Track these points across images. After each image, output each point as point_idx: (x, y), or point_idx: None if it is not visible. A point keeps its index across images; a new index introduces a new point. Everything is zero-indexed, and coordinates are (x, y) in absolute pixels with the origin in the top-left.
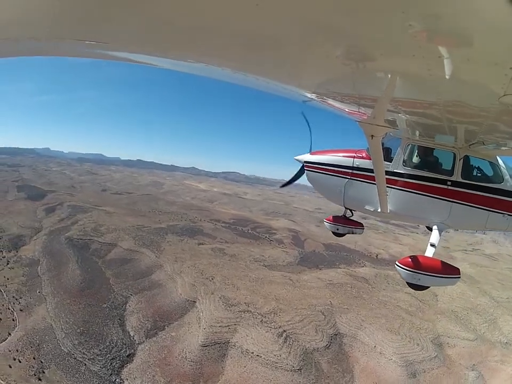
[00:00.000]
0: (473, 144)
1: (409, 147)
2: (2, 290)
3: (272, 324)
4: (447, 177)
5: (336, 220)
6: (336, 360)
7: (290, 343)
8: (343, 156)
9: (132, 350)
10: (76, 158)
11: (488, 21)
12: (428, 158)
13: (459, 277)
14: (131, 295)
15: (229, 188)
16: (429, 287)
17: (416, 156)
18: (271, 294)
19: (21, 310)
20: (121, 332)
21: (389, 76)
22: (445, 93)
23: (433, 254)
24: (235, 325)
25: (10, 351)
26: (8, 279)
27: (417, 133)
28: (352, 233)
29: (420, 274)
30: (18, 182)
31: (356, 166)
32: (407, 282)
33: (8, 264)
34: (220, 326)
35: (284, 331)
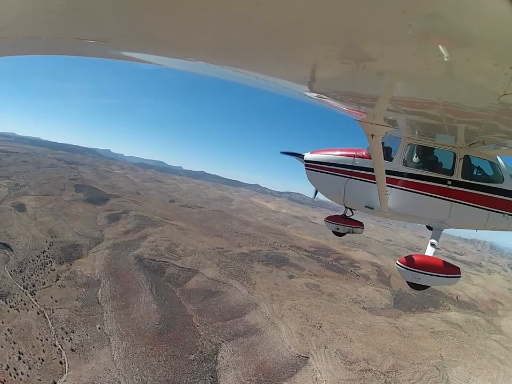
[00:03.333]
0: (473, 144)
1: (409, 146)
2: (47, 316)
3: None
4: (447, 176)
5: (336, 219)
6: None
7: None
8: (343, 155)
9: None
10: (138, 163)
11: (488, 20)
12: (428, 158)
13: (459, 277)
14: (223, 342)
15: (297, 211)
16: (429, 286)
17: (416, 155)
18: (385, 347)
19: (72, 350)
20: None
21: (389, 75)
22: (445, 92)
23: (433, 254)
24: None
25: None
26: (56, 301)
27: (417, 132)
28: (352, 232)
29: (420, 274)
30: (76, 180)
31: (356, 165)
32: (407, 282)
33: (58, 280)
34: None
35: None
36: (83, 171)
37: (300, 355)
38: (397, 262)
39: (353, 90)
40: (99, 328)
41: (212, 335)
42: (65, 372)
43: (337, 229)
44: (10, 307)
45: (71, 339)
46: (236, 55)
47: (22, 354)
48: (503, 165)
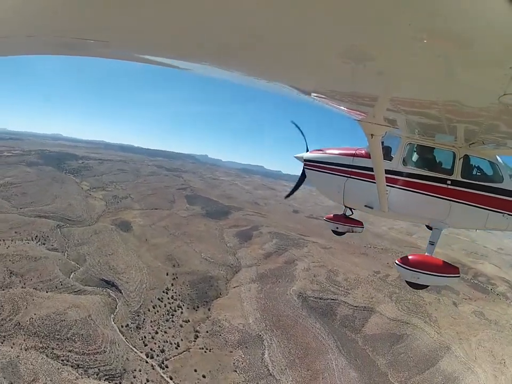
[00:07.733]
0: (473, 143)
1: (409, 146)
2: None
3: None
4: (447, 176)
5: (336, 218)
6: None
7: None
8: (343, 154)
9: None
10: (240, 169)
11: (488, 20)
12: (427, 157)
13: (458, 276)
14: None
15: None
16: (428, 286)
17: (416, 155)
18: None
19: None
20: None
21: (389, 75)
22: (445, 92)
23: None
24: None
25: None
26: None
27: (417, 132)
28: (352, 231)
29: (419, 273)
30: (186, 190)
31: (355, 164)
32: (406, 281)
33: (197, 337)
34: None
35: None
36: (189, 179)
37: None
38: (396, 261)
39: (353, 90)
40: None
41: None
42: None
43: (337, 228)
44: None
45: None
46: (236, 56)
47: None
48: (503, 164)
